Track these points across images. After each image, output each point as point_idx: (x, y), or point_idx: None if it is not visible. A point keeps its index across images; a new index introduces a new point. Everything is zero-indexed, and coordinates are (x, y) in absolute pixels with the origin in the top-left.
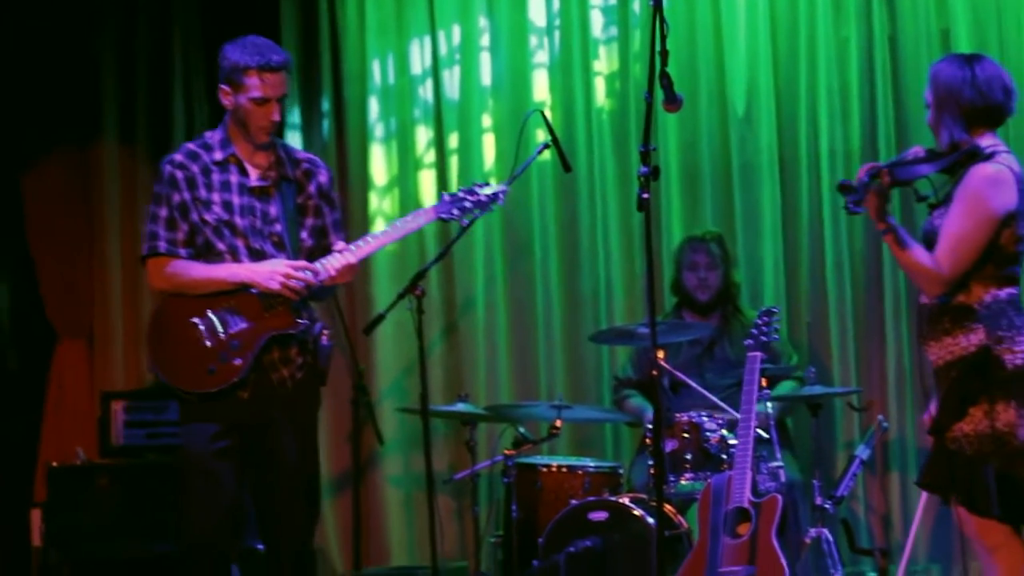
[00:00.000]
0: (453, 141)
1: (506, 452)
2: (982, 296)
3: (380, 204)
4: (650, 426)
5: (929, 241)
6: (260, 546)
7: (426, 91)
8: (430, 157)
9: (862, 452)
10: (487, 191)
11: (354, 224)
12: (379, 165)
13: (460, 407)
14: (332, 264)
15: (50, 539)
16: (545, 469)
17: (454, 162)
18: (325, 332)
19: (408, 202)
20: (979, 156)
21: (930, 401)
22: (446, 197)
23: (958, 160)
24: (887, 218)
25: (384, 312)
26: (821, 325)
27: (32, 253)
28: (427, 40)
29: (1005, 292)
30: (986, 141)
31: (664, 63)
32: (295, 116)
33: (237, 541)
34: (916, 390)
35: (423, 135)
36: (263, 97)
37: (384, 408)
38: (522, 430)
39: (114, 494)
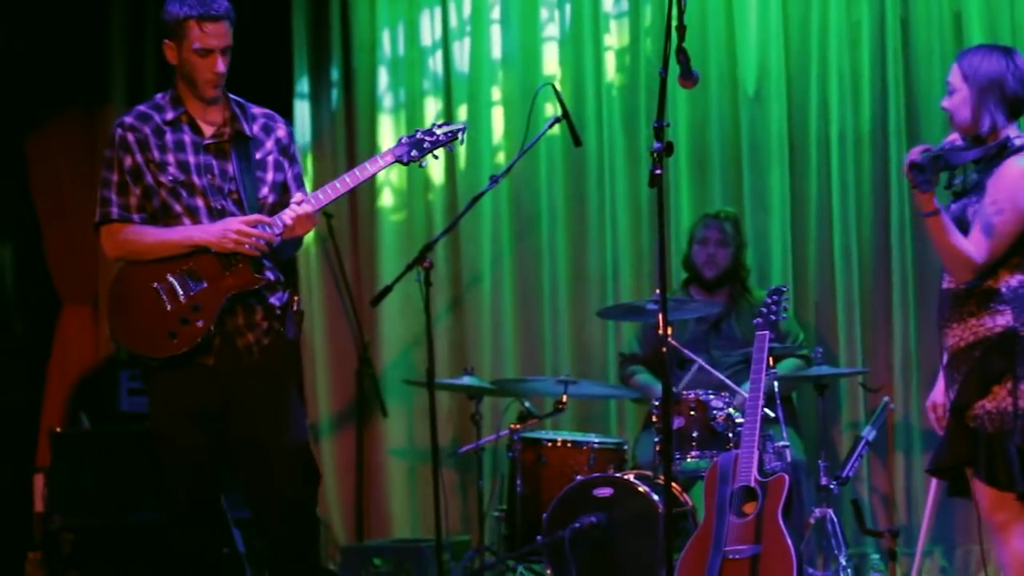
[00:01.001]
0: (462, 113)
1: (511, 427)
2: (1008, 280)
3: (387, 175)
4: (657, 403)
5: (957, 226)
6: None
7: (436, 63)
8: None
9: (868, 433)
10: (444, 129)
11: (360, 193)
12: (387, 136)
13: (466, 380)
14: (287, 215)
15: (53, 505)
16: (550, 444)
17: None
18: (296, 298)
19: (415, 173)
20: (1012, 149)
21: (936, 386)
22: (403, 139)
23: (991, 150)
24: (936, 201)
25: (392, 284)
26: (828, 306)
27: (38, 217)
28: (437, 11)
29: None
30: (1012, 132)
31: (681, 38)
32: (304, 85)
33: (215, 513)
34: (922, 373)
35: (432, 107)
36: (204, 48)
37: (388, 380)
38: (527, 405)
39: (117, 460)
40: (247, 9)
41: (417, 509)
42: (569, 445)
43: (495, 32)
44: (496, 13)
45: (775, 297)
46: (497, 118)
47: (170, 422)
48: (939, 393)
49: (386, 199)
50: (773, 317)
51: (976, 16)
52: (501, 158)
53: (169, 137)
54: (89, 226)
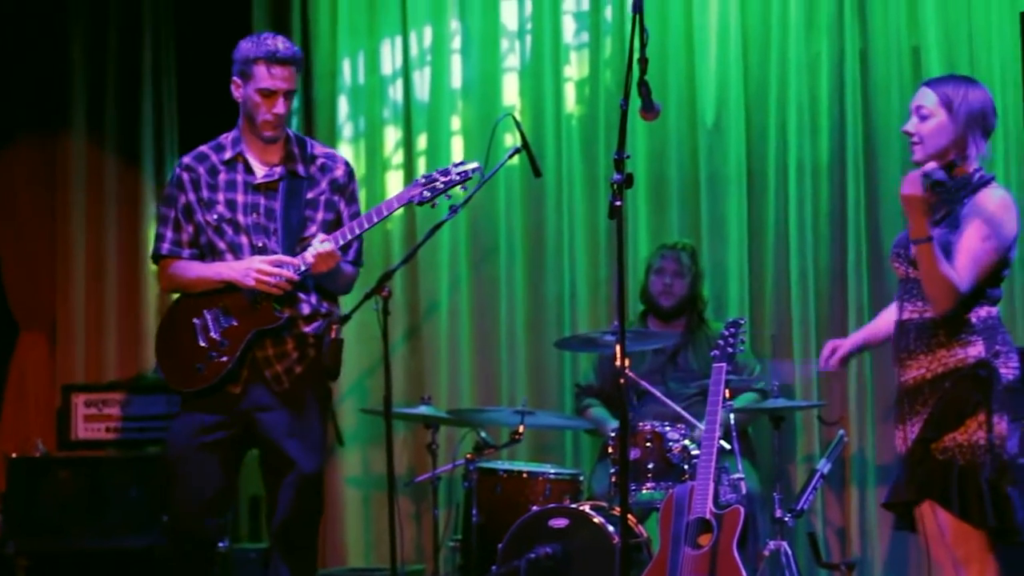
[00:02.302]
0: (422, 142)
1: (467, 456)
2: (978, 311)
3: None
4: (613, 434)
5: None
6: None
7: (396, 92)
8: (398, 158)
9: (823, 466)
10: (459, 169)
11: None
12: None
13: (423, 410)
14: (309, 254)
15: (8, 531)
16: (506, 474)
17: (422, 163)
18: (334, 326)
19: (375, 202)
20: (983, 180)
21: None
22: (419, 180)
23: (960, 182)
24: (930, 227)
25: (350, 313)
26: (784, 338)
27: None
28: (398, 40)
29: (995, 311)
30: (976, 164)
31: (643, 71)
32: None
33: (215, 526)
34: (877, 406)
35: (392, 136)
36: (269, 88)
37: (345, 408)
38: (484, 434)
39: (73, 487)
40: (207, 34)
41: (372, 538)
42: (525, 475)
43: (455, 62)
44: (457, 43)
45: (732, 329)
46: (457, 148)
47: (183, 450)
48: (908, 424)
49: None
50: (730, 349)
51: (935, 50)
52: (460, 188)
53: (222, 176)
54: (46, 254)
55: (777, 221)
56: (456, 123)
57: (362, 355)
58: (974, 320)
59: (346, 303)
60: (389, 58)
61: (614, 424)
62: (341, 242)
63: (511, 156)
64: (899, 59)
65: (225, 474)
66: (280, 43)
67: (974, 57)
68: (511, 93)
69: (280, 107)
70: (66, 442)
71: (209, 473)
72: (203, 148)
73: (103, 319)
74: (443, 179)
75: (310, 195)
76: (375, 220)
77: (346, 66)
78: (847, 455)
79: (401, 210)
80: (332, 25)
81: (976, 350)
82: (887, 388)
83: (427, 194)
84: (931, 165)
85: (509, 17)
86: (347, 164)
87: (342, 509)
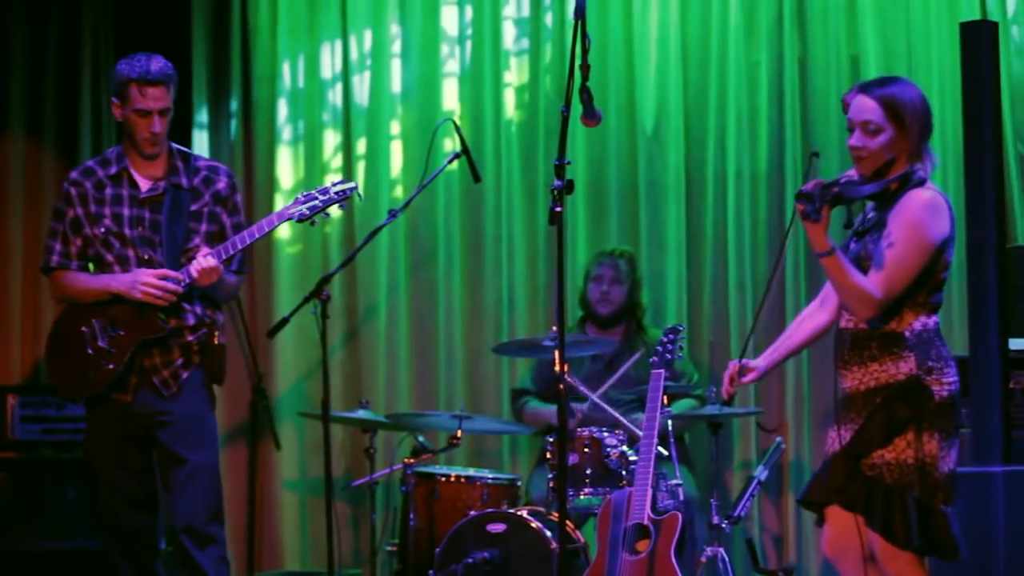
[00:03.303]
0: (361, 147)
1: (405, 461)
2: (912, 323)
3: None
4: (551, 439)
5: (859, 265)
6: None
7: (335, 95)
8: (337, 162)
9: (760, 473)
10: (338, 188)
11: None
12: (286, 168)
13: (361, 414)
14: (193, 268)
15: None
16: (444, 479)
17: (361, 168)
18: (216, 333)
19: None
20: (915, 181)
21: (832, 426)
22: (299, 197)
23: (890, 184)
24: (829, 240)
25: (289, 316)
26: (722, 345)
27: None
28: (338, 44)
29: (933, 320)
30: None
31: (585, 77)
32: (203, 115)
33: (152, 529)
34: (814, 413)
35: (331, 139)
36: (143, 109)
37: (282, 412)
38: (421, 439)
39: (7, 488)
40: (147, 38)
41: (308, 542)
42: (463, 480)
43: (395, 66)
44: (397, 47)
45: (671, 336)
46: (396, 152)
47: (97, 454)
48: (843, 430)
49: (283, 231)
50: (668, 356)
51: (873, 59)
52: (399, 192)
53: (108, 191)
54: None
55: (716, 228)
56: (395, 127)
57: (300, 359)
58: (907, 334)
59: (284, 306)
60: (329, 62)
61: (551, 408)
62: (223, 256)
63: (451, 161)
64: (838, 68)
65: (143, 475)
66: (153, 64)
67: (913, 67)
68: (451, 98)
69: (156, 126)
70: (2, 442)
71: (126, 475)
72: (90, 163)
73: (40, 320)
74: (322, 197)
75: (194, 207)
76: (256, 235)
77: (286, 69)
78: (789, 462)
79: (340, 213)
80: (272, 28)
81: (908, 366)
82: (824, 396)
83: (306, 212)
84: (810, 183)
85: (449, 22)
86: (229, 176)
87: (279, 512)
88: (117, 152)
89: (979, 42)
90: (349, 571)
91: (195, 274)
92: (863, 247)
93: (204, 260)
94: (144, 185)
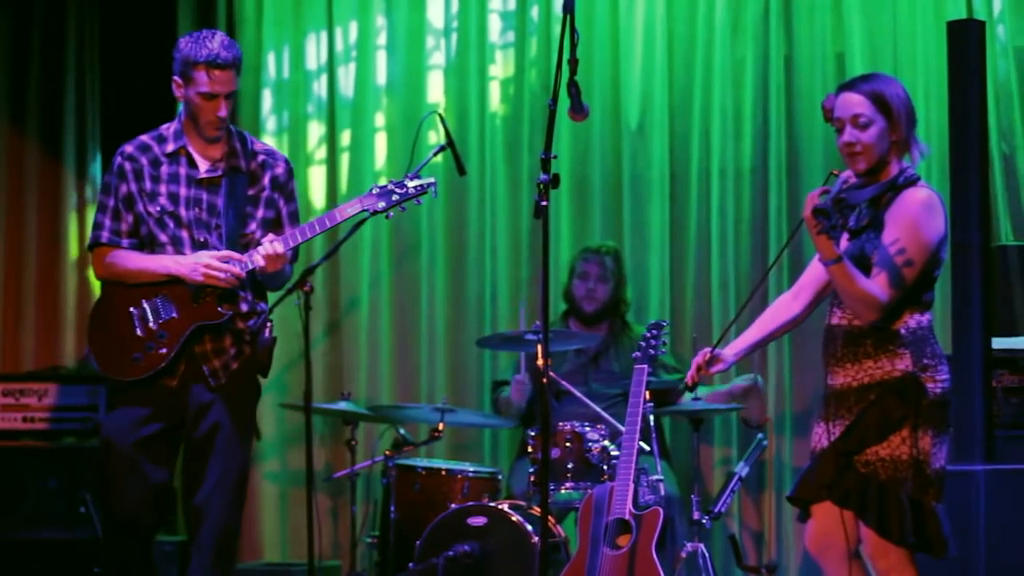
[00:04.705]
0: (345, 139)
1: (386, 453)
2: (907, 321)
3: None
4: (533, 432)
5: (857, 265)
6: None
7: (320, 87)
8: (321, 153)
9: (741, 470)
10: (415, 183)
11: None
12: None
13: (343, 405)
14: (259, 254)
15: None
16: (425, 472)
17: (345, 159)
18: (269, 323)
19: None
20: (908, 180)
21: (818, 422)
22: (374, 189)
23: (885, 186)
24: (837, 248)
25: (272, 306)
26: (705, 341)
27: None
28: (324, 35)
29: (926, 318)
30: (905, 163)
31: (573, 71)
32: None
33: (159, 519)
34: (795, 410)
35: (315, 131)
36: (210, 92)
37: (263, 403)
38: (403, 431)
39: None
40: (132, 26)
41: (288, 533)
42: (444, 473)
43: (380, 58)
44: (382, 39)
45: (654, 331)
46: (380, 144)
47: (122, 437)
48: (828, 427)
49: None
50: (652, 351)
51: (859, 56)
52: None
53: (165, 169)
54: None
55: (699, 225)
56: (380, 120)
57: (282, 350)
58: (903, 331)
59: (268, 297)
60: (314, 53)
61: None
62: (291, 244)
63: (436, 154)
64: (823, 65)
65: (167, 467)
66: (220, 47)
67: (899, 65)
68: (436, 91)
69: (223, 110)
70: None
71: (150, 468)
72: (144, 138)
73: (21, 309)
74: (399, 191)
75: (251, 192)
76: (327, 225)
77: (271, 60)
78: (768, 459)
79: (324, 203)
80: (257, 18)
81: (903, 363)
82: (806, 393)
83: (383, 205)
84: (816, 193)
85: (435, 15)
86: (287, 162)
87: (259, 504)
88: (176, 130)
89: (966, 41)
90: (329, 563)
91: (262, 260)
92: (859, 247)
93: (272, 246)
94: (203, 166)
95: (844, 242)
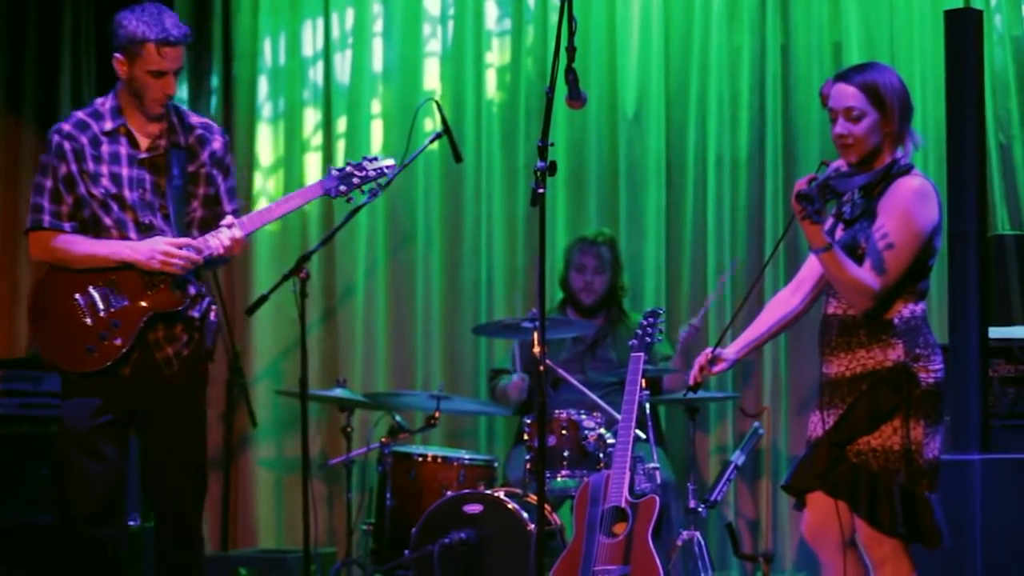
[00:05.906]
0: (341, 125)
1: (382, 440)
2: (900, 311)
3: (265, 184)
4: (529, 420)
5: (850, 254)
6: (132, 522)
7: (316, 73)
8: (317, 140)
9: (737, 458)
10: (374, 165)
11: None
12: (265, 145)
13: (338, 392)
14: (218, 241)
15: None
16: (421, 459)
17: (341, 146)
18: (213, 308)
19: (293, 184)
20: (901, 169)
21: (814, 411)
22: (333, 172)
23: (879, 174)
24: (827, 236)
25: (267, 293)
26: (701, 330)
27: None
28: (320, 22)
29: (920, 307)
30: (899, 153)
31: (571, 59)
32: (183, 92)
33: (116, 515)
34: (791, 399)
35: (311, 117)
36: (160, 70)
37: (258, 390)
38: (399, 418)
39: None
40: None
41: (284, 520)
42: (440, 460)
43: (377, 45)
44: (379, 26)
45: (651, 319)
46: (376, 131)
47: (81, 427)
48: (824, 416)
49: (263, 205)
50: (648, 339)
51: (856, 46)
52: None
53: (105, 148)
54: None
55: (695, 213)
56: (376, 107)
57: (277, 337)
58: (896, 321)
59: (263, 284)
60: (310, 39)
61: (510, 380)
62: (249, 229)
63: (432, 141)
64: (820, 55)
65: (122, 457)
66: (170, 23)
67: (895, 54)
68: (432, 78)
69: (172, 87)
70: None
71: (106, 457)
72: (81, 115)
73: (17, 294)
74: (358, 173)
75: (191, 168)
76: (286, 209)
77: (267, 46)
78: (766, 447)
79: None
80: (253, 4)
81: (896, 353)
82: (802, 381)
83: (343, 188)
84: (804, 180)
85: (432, 2)
86: (223, 134)
87: (254, 491)
88: (112, 106)
89: (963, 30)
90: (324, 550)
91: (221, 249)
92: (852, 236)
93: (234, 231)
94: (144, 144)
95: (839, 232)
